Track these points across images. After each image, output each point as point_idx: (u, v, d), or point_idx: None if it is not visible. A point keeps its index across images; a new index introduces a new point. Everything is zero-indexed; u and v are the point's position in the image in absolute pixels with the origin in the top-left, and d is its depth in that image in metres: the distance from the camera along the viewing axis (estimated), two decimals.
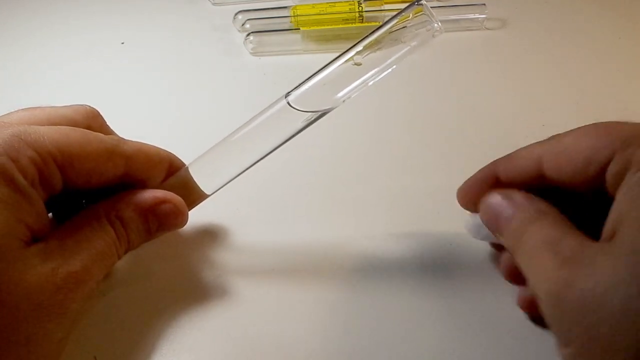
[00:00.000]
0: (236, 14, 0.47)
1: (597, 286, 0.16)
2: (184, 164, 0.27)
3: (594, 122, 0.21)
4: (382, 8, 0.46)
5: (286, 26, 0.45)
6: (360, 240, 0.28)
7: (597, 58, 0.42)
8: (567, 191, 0.21)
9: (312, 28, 0.44)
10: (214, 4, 0.52)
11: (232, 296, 0.25)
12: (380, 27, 0.23)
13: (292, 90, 0.24)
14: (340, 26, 0.45)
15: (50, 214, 0.24)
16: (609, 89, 0.38)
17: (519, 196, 0.22)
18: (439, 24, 0.22)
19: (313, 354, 0.23)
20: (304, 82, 0.24)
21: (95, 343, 0.23)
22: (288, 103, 0.24)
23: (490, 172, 0.23)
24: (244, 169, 0.26)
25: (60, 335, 0.20)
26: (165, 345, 0.23)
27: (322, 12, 0.45)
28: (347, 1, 0.46)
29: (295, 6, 0.46)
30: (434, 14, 0.22)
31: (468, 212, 0.25)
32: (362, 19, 0.45)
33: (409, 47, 0.23)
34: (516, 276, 0.23)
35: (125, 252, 0.24)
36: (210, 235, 0.28)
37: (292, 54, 0.44)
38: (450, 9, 0.46)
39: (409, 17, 0.22)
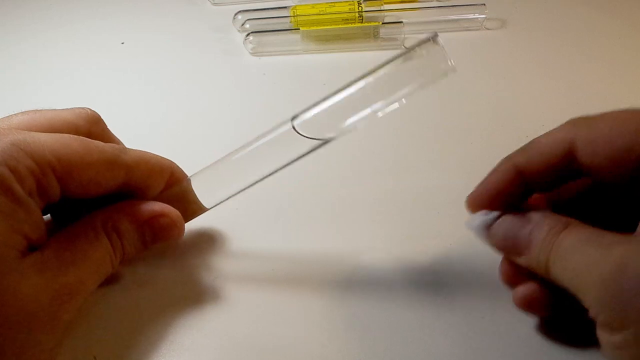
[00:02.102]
0: (236, 14, 0.47)
1: None
2: (184, 174, 0.27)
3: None
4: (382, 8, 0.47)
5: (286, 26, 0.45)
6: (359, 240, 0.28)
7: (597, 58, 0.42)
8: (595, 180, 0.20)
9: (312, 28, 0.44)
10: (214, 4, 0.52)
11: (230, 298, 0.25)
12: (392, 59, 0.23)
13: (298, 114, 0.24)
14: (340, 26, 0.45)
15: (48, 215, 0.24)
16: (609, 89, 0.38)
17: (533, 213, 0.21)
18: (452, 62, 0.22)
19: (310, 355, 0.23)
20: (311, 107, 0.24)
21: (95, 343, 0.23)
22: (293, 127, 0.24)
23: (508, 169, 0.22)
24: (245, 187, 0.26)
25: (52, 344, 0.20)
26: (164, 346, 0.23)
27: (321, 12, 0.45)
28: (347, 1, 0.46)
29: (295, 6, 0.46)
30: (447, 52, 0.22)
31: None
32: (362, 19, 0.45)
33: (420, 83, 0.22)
34: (514, 278, 0.23)
35: (120, 262, 0.24)
36: (208, 237, 0.28)
37: (291, 54, 0.44)
38: (450, 9, 0.46)
39: (423, 53, 0.22)
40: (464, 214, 0.25)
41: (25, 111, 0.24)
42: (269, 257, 0.27)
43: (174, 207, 0.25)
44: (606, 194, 0.21)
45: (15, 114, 0.24)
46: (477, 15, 0.45)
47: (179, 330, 0.24)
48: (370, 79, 0.23)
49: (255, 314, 0.24)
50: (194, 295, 0.25)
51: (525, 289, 0.23)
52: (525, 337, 0.23)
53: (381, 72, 0.23)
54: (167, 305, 0.25)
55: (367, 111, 0.23)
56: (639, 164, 0.19)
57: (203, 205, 0.26)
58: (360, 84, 0.23)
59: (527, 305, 0.23)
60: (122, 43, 0.47)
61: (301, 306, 0.25)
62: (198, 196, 0.26)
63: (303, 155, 0.24)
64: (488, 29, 0.46)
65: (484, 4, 0.45)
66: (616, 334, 0.18)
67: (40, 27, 0.51)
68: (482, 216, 0.23)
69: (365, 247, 0.27)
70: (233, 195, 0.26)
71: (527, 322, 0.23)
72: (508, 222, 0.22)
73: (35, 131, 0.22)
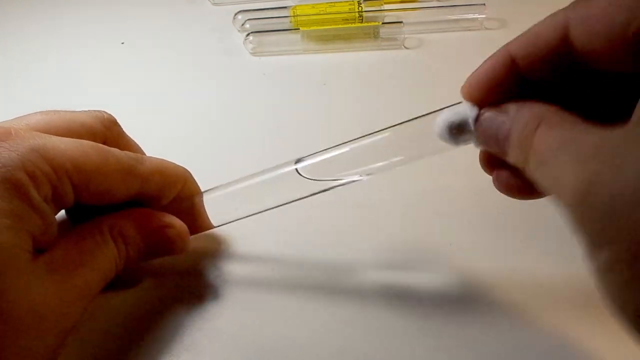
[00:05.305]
0: (236, 14, 0.47)
1: (629, 178, 0.14)
2: (197, 187, 0.27)
3: None
4: (382, 8, 0.47)
5: (286, 26, 0.45)
6: (358, 240, 0.28)
7: None
8: (592, 68, 0.18)
9: (312, 28, 0.44)
10: (214, 4, 0.52)
11: (230, 297, 0.25)
12: (409, 120, 0.23)
13: (304, 157, 0.24)
14: (340, 26, 0.45)
15: (62, 211, 0.24)
16: None
17: (510, 106, 0.19)
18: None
19: (309, 355, 0.23)
20: (319, 152, 0.24)
21: (95, 343, 0.23)
22: (296, 170, 0.24)
23: (503, 56, 0.21)
24: (254, 213, 0.26)
25: (56, 347, 0.20)
26: (165, 345, 0.23)
27: (321, 12, 0.45)
28: (347, 1, 0.46)
29: (295, 6, 0.46)
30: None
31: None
32: (362, 19, 0.45)
33: (440, 147, 0.22)
34: (492, 163, 0.22)
35: (123, 268, 0.24)
36: (208, 238, 0.28)
37: (292, 54, 0.44)
38: (450, 8, 0.46)
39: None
40: (464, 214, 0.25)
41: (42, 111, 0.24)
42: (269, 258, 0.27)
43: (181, 219, 0.25)
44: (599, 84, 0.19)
45: (33, 114, 0.24)
46: (477, 15, 0.45)
47: (179, 330, 0.24)
48: (386, 133, 0.23)
49: (255, 314, 0.25)
50: (194, 295, 0.25)
51: (501, 174, 0.21)
52: (528, 337, 0.23)
53: (401, 129, 0.23)
54: (167, 305, 0.25)
55: (381, 164, 0.23)
56: (636, 43, 0.16)
57: (210, 223, 0.26)
58: (378, 136, 0.23)
59: (508, 190, 0.21)
60: (122, 43, 0.47)
61: (301, 306, 0.25)
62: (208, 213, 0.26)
63: (308, 196, 0.24)
64: (488, 29, 0.46)
65: (484, 4, 0.45)
66: (597, 255, 0.15)
67: (40, 27, 0.51)
68: (454, 114, 0.22)
69: (364, 248, 0.27)
70: (242, 218, 0.26)
71: (530, 322, 0.23)
72: (487, 115, 0.20)
73: (53, 133, 0.22)
